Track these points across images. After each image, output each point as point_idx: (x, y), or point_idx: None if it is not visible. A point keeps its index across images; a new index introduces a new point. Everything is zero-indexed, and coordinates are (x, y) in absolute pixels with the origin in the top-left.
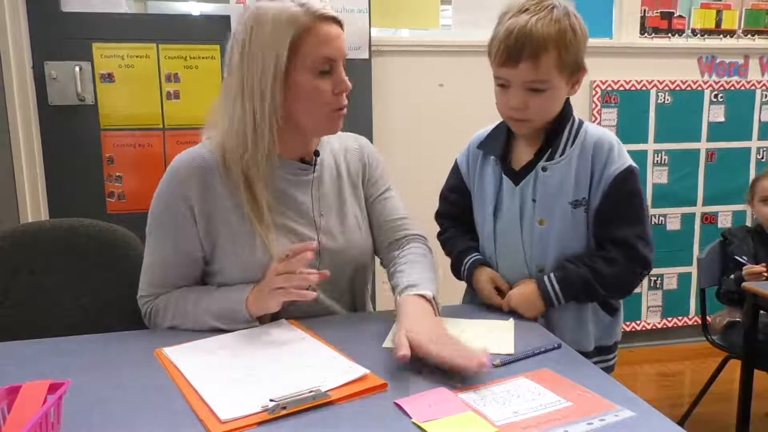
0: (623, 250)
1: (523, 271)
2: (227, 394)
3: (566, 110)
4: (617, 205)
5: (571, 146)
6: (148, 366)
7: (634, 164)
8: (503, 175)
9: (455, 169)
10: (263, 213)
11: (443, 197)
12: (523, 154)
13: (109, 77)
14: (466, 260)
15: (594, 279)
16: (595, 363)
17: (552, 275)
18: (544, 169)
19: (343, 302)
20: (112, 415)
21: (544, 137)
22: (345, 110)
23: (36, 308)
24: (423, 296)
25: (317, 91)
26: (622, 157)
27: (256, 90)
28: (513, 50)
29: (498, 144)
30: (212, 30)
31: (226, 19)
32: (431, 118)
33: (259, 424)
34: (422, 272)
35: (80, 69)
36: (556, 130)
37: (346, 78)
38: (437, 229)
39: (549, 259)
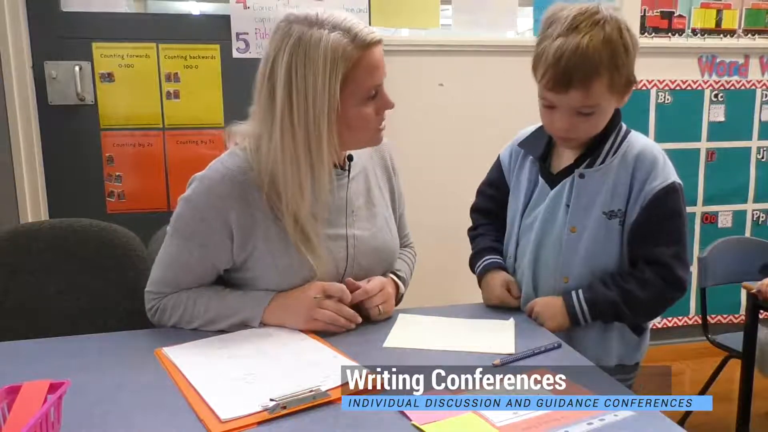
0: (658, 271)
1: (548, 280)
2: (227, 394)
3: (614, 119)
4: (656, 223)
5: (613, 156)
6: (148, 366)
7: (678, 180)
8: (540, 177)
9: (497, 164)
10: (306, 230)
11: (480, 192)
12: (563, 158)
13: (108, 77)
14: (484, 259)
15: (624, 303)
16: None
17: (581, 293)
18: (581, 176)
19: None
20: (112, 415)
21: (587, 144)
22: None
23: (36, 308)
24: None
25: (367, 118)
26: (666, 172)
27: (312, 130)
28: (563, 77)
29: (539, 145)
30: (212, 30)
31: (226, 18)
32: (431, 118)
33: (260, 423)
34: (401, 265)
35: (80, 69)
36: (601, 138)
37: (389, 96)
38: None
39: (574, 269)
